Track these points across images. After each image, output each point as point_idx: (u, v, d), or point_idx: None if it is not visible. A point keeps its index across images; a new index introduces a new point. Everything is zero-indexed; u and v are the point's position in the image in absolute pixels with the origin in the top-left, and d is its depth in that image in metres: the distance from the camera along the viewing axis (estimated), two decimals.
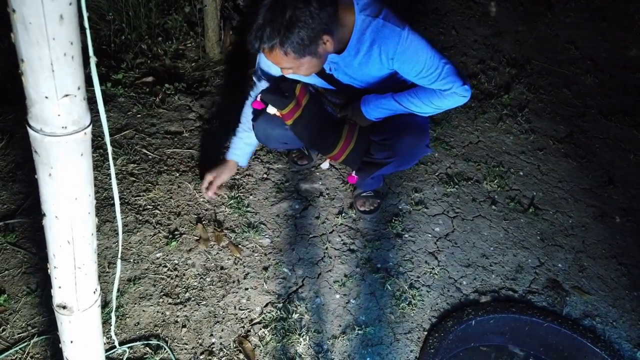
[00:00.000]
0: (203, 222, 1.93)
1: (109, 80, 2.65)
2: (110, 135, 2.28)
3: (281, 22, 1.38)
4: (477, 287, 1.93)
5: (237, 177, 2.18)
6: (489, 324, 1.79)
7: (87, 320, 0.78)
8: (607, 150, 2.76)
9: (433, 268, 1.96)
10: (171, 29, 3.19)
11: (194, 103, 2.59)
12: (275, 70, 1.75)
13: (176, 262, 1.79)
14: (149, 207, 1.97)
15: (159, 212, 1.96)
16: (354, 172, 2.02)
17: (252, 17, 1.47)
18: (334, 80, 1.76)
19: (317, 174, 2.29)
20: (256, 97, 1.81)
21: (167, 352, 1.51)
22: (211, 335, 1.60)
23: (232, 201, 2.05)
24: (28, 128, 0.55)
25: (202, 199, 2.04)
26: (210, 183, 1.92)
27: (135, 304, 1.64)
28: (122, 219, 1.78)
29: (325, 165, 2.19)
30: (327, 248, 1.96)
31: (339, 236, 2.02)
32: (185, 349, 1.54)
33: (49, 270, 0.73)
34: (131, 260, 1.77)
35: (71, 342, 0.79)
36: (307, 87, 1.86)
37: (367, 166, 1.94)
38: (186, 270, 1.77)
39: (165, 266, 1.77)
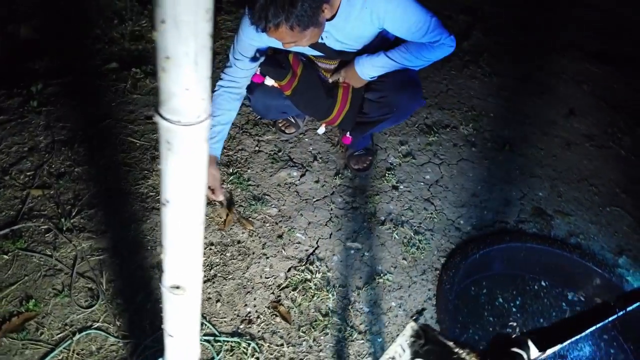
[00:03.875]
0: (211, 202, 1.95)
1: (72, 71, 2.54)
2: (90, 127, 2.23)
3: None
4: (473, 224, 2.08)
5: (230, 153, 2.20)
6: (490, 255, 1.96)
7: (195, 298, 0.82)
8: (564, 84, 2.97)
9: (431, 213, 2.09)
10: (122, 10, 3.07)
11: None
12: (259, 45, 1.75)
13: None
14: (151, 194, 1.97)
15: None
16: (348, 132, 2.09)
17: None
18: (324, 48, 1.80)
19: (307, 140, 2.34)
20: (253, 71, 1.81)
21: (208, 327, 1.57)
22: (245, 305, 1.66)
23: (232, 177, 2.08)
24: (162, 121, 0.58)
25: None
26: (211, 189, 1.81)
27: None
28: (127, 209, 1.79)
29: (321, 130, 2.25)
30: (332, 209, 2.04)
31: (340, 196, 2.11)
32: (225, 322, 1.61)
33: (162, 255, 0.77)
34: (148, 248, 1.78)
35: (179, 320, 0.84)
36: (299, 56, 1.89)
37: (362, 125, 2.02)
38: (205, 249, 1.81)
39: None
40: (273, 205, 2.01)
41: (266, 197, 2.04)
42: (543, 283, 1.97)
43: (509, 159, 2.42)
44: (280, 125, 2.32)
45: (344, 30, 1.72)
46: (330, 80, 1.95)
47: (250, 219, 1.94)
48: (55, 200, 1.88)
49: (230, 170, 2.11)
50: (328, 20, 1.64)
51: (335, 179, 2.17)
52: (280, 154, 2.24)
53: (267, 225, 1.94)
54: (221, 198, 1.84)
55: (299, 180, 2.14)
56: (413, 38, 1.72)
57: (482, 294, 1.90)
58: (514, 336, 0.88)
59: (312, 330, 1.61)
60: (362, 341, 1.61)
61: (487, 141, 2.49)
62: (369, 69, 1.81)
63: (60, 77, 2.51)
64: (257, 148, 2.25)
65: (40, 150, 2.08)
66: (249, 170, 2.14)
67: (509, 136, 2.54)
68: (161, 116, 0.58)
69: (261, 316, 1.64)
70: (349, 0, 1.63)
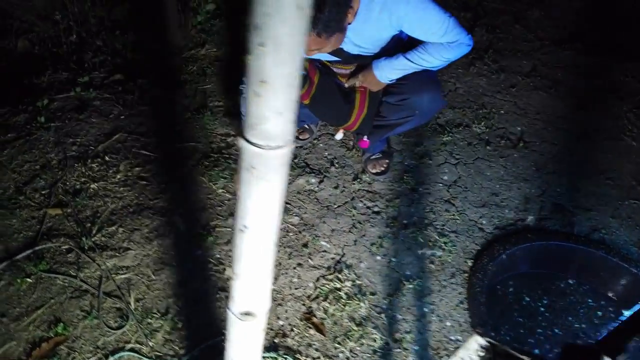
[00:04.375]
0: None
1: (76, 84, 2.50)
2: (101, 142, 2.18)
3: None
4: (496, 223, 2.07)
5: None
6: (516, 255, 1.95)
7: (263, 323, 0.80)
8: (569, 77, 2.97)
9: (453, 214, 2.08)
10: (121, 20, 3.01)
11: (175, 94, 2.51)
12: None
13: (218, 256, 1.79)
14: (171, 207, 1.93)
15: (183, 210, 1.93)
16: (365, 137, 2.07)
17: None
18: (341, 52, 1.77)
19: (321, 145, 2.32)
20: None
21: None
22: (278, 318, 1.63)
23: None
24: (248, 146, 0.55)
25: (220, 190, 2.02)
26: None
27: (193, 306, 1.64)
28: (148, 224, 1.75)
29: (339, 135, 2.23)
30: (353, 215, 2.02)
31: (361, 201, 2.09)
32: None
33: (231, 281, 0.74)
34: (174, 264, 1.74)
35: (245, 346, 0.81)
36: (315, 63, 1.86)
37: (381, 129, 2.00)
38: (229, 263, 1.78)
39: (210, 262, 1.76)
40: (294, 214, 1.98)
41: (287, 205, 2.01)
42: (570, 281, 1.96)
43: (524, 156, 2.41)
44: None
45: (362, 34, 1.70)
46: (347, 85, 1.93)
47: None
48: (73, 219, 1.83)
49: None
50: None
51: (354, 183, 2.15)
52: (295, 160, 2.21)
53: (291, 234, 1.91)
54: None
55: (317, 186, 2.12)
56: (431, 39, 1.71)
57: (515, 296, 1.88)
58: (585, 347, 0.86)
59: (348, 341, 1.59)
60: (399, 350, 1.59)
61: (501, 138, 2.48)
62: (388, 72, 1.79)
63: (65, 91, 2.46)
64: None
65: (53, 168, 2.04)
66: None
67: (522, 132, 2.54)
68: (248, 141, 0.55)
69: (295, 329, 1.61)
70: (367, 3, 1.61)
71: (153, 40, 2.90)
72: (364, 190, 2.14)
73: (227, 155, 2.17)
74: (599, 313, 1.86)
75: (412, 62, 1.75)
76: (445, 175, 2.26)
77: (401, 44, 1.83)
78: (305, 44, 1.41)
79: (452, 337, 1.65)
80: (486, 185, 2.25)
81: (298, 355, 1.54)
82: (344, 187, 2.13)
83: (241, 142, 0.56)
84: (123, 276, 1.67)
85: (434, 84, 1.81)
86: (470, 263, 1.89)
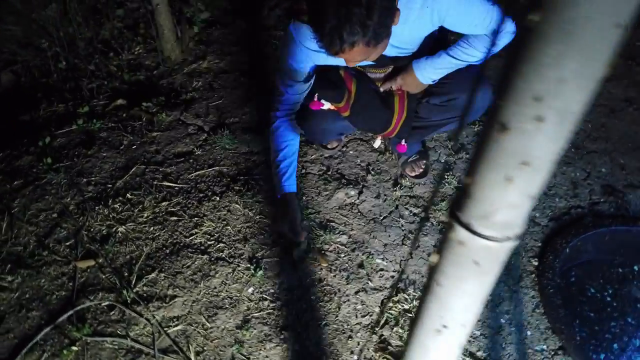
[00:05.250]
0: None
1: (77, 116, 2.31)
2: (118, 178, 2.01)
3: (360, 13, 1.22)
4: (549, 215, 1.97)
5: None
6: (577, 246, 1.85)
7: None
8: None
9: None
10: (111, 39, 2.82)
11: (186, 115, 2.34)
12: (309, 67, 1.60)
13: (272, 291, 1.65)
14: (210, 242, 1.78)
15: (223, 244, 1.78)
16: (403, 141, 1.94)
17: (314, 17, 1.29)
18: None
19: (351, 152, 2.18)
20: (308, 99, 1.64)
21: None
22: (351, 352, 1.51)
23: None
24: (475, 239, 0.42)
25: (258, 217, 1.88)
26: (292, 229, 1.63)
27: (259, 349, 1.51)
28: (189, 265, 1.60)
29: (377, 143, 2.09)
30: (402, 225, 1.90)
31: (406, 209, 1.96)
32: None
33: None
34: (227, 306, 1.60)
35: None
36: (349, 71, 1.72)
37: (420, 131, 1.87)
38: (286, 296, 1.64)
39: (265, 299, 1.63)
40: (341, 232, 1.85)
41: (331, 224, 1.88)
42: (636, 267, 1.88)
43: None
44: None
45: (401, 35, 1.56)
46: (382, 89, 1.79)
47: (322, 251, 1.78)
48: (108, 270, 1.67)
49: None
50: None
51: (395, 190, 2.02)
52: (329, 172, 2.08)
53: (343, 255, 1.78)
54: (303, 238, 1.66)
55: (358, 198, 1.99)
56: (475, 31, 1.58)
57: (591, 291, 1.79)
58: None
59: None
60: None
61: None
62: (431, 72, 1.65)
63: (66, 124, 2.28)
64: (303, 170, 2.08)
65: (72, 214, 1.87)
66: (303, 197, 1.97)
67: None
68: (476, 233, 0.42)
69: None
70: (406, 2, 1.46)
71: (149, 57, 2.72)
72: (406, 196, 2.01)
73: (257, 177, 2.02)
74: None
75: (456, 58, 1.62)
76: None
77: (433, 39, 1.69)
78: (352, 56, 1.27)
79: (537, 348, 1.54)
80: None
81: None
82: (385, 195, 2.01)
83: (460, 233, 0.43)
84: (176, 328, 1.53)
85: (481, 79, 1.68)
86: (535, 262, 1.79)
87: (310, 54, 1.55)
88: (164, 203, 1.91)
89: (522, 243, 1.86)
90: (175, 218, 1.86)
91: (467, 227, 0.43)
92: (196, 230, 1.82)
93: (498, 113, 0.36)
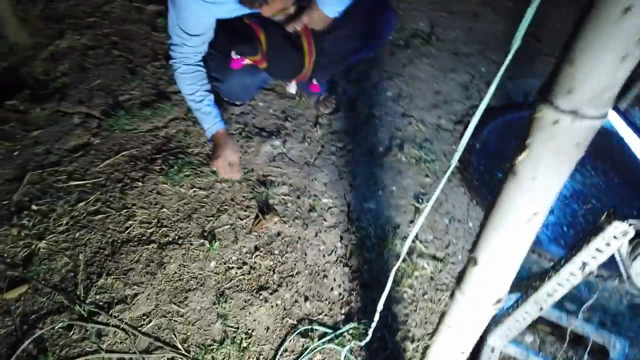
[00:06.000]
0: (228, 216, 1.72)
1: None
2: (12, 191, 1.76)
3: None
4: (453, 119, 2.17)
5: (203, 150, 1.92)
6: (484, 139, 2.07)
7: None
8: None
9: (416, 125, 2.12)
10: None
11: (64, 104, 2.08)
12: (207, 19, 1.52)
13: (235, 257, 1.62)
14: (151, 230, 1.66)
15: (167, 228, 1.67)
16: (314, 80, 1.95)
17: None
18: None
19: (261, 104, 2.14)
20: (223, 57, 1.56)
21: (322, 329, 1.45)
22: (331, 289, 1.56)
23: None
24: (584, 121, 0.46)
25: (192, 191, 1.79)
26: (230, 165, 1.69)
27: (245, 316, 1.48)
28: (138, 259, 1.51)
29: (292, 88, 2.05)
30: (334, 161, 1.95)
31: (332, 145, 2.01)
32: (327, 316, 1.50)
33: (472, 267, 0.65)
34: (195, 286, 1.54)
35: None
36: (253, 20, 1.65)
37: (332, 66, 1.90)
38: (250, 259, 1.62)
39: (231, 268, 1.59)
40: (281, 183, 1.85)
41: (268, 178, 1.86)
42: None
43: (440, 49, 2.50)
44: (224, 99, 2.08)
45: None
46: (288, 30, 1.75)
47: (274, 209, 1.77)
48: (46, 291, 1.49)
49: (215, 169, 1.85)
50: None
51: (317, 130, 2.05)
52: (248, 129, 2.03)
53: (290, 205, 1.78)
54: (237, 176, 1.66)
55: (284, 147, 1.98)
56: None
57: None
58: None
59: (405, 278, 1.59)
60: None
61: (413, 38, 2.53)
62: (336, 3, 1.66)
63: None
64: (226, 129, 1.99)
65: None
66: None
67: (431, 27, 2.60)
68: (581, 115, 0.46)
69: (353, 293, 1.56)
70: None
71: None
72: (328, 133, 2.05)
73: (174, 149, 1.90)
74: None
75: None
76: (387, 91, 2.27)
77: None
78: (275, 5, 1.23)
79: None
80: (425, 87, 2.30)
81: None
82: (308, 138, 2.02)
83: (562, 119, 0.47)
84: (150, 325, 1.44)
85: (383, 3, 1.73)
86: (457, 164, 1.97)
87: (209, 7, 1.46)
88: (80, 204, 1.72)
89: (440, 149, 2.03)
90: (101, 216, 1.69)
91: (572, 112, 0.47)
92: (130, 222, 1.68)
93: None
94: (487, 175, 1.96)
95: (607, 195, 1.95)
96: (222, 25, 1.57)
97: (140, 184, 1.79)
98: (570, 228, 1.82)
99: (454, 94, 2.28)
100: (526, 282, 1.34)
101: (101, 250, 1.60)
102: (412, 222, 1.76)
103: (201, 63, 1.63)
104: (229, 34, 1.57)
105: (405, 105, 2.20)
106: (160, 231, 1.66)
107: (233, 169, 1.68)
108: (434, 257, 1.66)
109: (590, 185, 1.98)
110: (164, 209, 1.72)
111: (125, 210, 1.70)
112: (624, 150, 1.82)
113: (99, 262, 1.57)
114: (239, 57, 1.58)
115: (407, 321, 1.49)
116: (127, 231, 1.65)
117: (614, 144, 1.93)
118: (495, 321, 1.37)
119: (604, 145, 2.06)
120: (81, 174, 1.81)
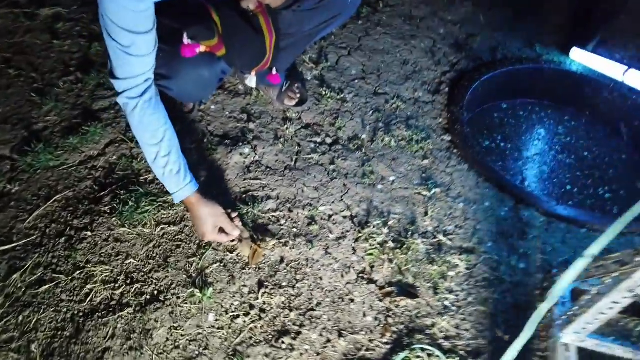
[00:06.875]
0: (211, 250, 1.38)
1: None
2: None
3: None
4: (429, 89, 1.96)
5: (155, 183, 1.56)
6: (468, 104, 1.90)
7: None
8: None
9: (394, 103, 1.89)
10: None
11: None
12: (146, 9, 1.12)
13: (237, 303, 1.30)
14: (118, 291, 1.29)
15: (140, 283, 1.31)
16: (273, 70, 1.64)
17: None
18: None
19: (213, 108, 1.80)
20: (175, 44, 1.20)
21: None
22: (363, 315, 1.30)
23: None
24: None
25: (159, 230, 1.43)
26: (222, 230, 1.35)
27: None
28: (110, 333, 1.17)
29: (252, 81, 1.70)
30: (318, 161, 1.67)
31: (309, 142, 1.73)
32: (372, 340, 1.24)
33: None
34: (199, 351, 1.21)
35: None
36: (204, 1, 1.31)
37: (292, 49, 1.59)
38: (257, 300, 1.31)
39: (237, 317, 1.27)
40: (265, 199, 1.54)
41: (248, 194, 1.54)
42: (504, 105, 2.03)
43: (392, 15, 2.28)
44: (179, 103, 1.71)
45: None
46: (244, 7, 1.42)
47: (265, 231, 1.46)
48: None
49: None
50: None
51: (287, 128, 1.75)
52: (207, 139, 1.68)
53: (284, 222, 1.49)
54: (237, 233, 1.32)
55: (255, 153, 1.66)
56: None
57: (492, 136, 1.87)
58: None
59: (441, 285, 1.37)
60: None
61: (362, 7, 2.29)
62: None
63: None
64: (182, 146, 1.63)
65: None
66: (202, 176, 1.56)
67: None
68: None
69: (390, 312, 1.31)
70: None
71: None
72: (301, 128, 1.76)
73: (121, 182, 1.52)
74: None
75: None
76: (350, 69, 2.01)
77: None
78: None
79: (501, 212, 1.56)
80: (389, 59, 2.08)
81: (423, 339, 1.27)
82: (281, 137, 1.72)
83: None
84: None
85: None
86: (447, 137, 1.78)
87: None
88: (14, 276, 1.30)
89: (429, 125, 1.82)
90: (48, 286, 1.29)
91: None
92: (90, 286, 1.29)
93: None
94: (486, 143, 1.78)
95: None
96: (167, 8, 1.20)
97: (89, 233, 1.39)
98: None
99: (422, 62, 2.07)
100: (594, 268, 1.17)
101: (59, 333, 1.21)
102: (426, 213, 1.53)
103: (157, 92, 1.24)
104: (177, 18, 1.21)
105: (375, 82, 1.96)
106: (132, 289, 1.29)
107: (228, 228, 1.33)
108: (464, 250, 1.45)
109: None
110: (130, 259, 1.35)
111: (78, 272, 1.31)
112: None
113: (61, 349, 1.18)
114: (191, 42, 1.23)
115: (461, 335, 1.27)
116: (89, 299, 1.27)
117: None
118: (562, 317, 1.19)
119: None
120: (5, 235, 1.38)
